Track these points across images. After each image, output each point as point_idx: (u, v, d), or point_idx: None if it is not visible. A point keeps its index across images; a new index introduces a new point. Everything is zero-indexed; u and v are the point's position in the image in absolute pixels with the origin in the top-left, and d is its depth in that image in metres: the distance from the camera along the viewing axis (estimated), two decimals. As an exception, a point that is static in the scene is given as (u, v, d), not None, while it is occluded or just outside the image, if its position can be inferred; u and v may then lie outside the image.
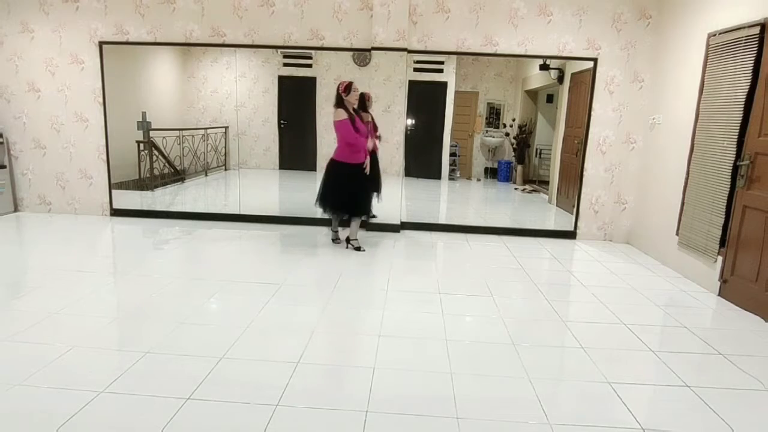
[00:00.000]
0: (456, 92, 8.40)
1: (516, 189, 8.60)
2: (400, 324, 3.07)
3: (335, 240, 4.88)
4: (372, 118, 5.03)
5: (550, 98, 8.28)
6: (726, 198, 3.75)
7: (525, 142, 8.64)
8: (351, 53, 7.86)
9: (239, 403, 2.13)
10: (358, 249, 4.60)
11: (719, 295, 3.78)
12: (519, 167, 8.88)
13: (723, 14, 3.94)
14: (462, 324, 3.12)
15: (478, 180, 9.14)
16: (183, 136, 7.48)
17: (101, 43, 5.36)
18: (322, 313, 3.16)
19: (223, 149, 8.15)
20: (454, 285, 3.81)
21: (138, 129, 6.45)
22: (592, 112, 5.22)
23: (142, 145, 6.53)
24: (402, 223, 5.52)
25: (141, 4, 5.26)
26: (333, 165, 4.47)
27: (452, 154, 8.88)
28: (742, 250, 3.59)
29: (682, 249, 4.31)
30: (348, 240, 4.68)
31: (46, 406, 2.07)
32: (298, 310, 3.22)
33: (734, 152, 3.68)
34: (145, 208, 6.22)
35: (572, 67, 6.35)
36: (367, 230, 5.41)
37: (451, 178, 8.91)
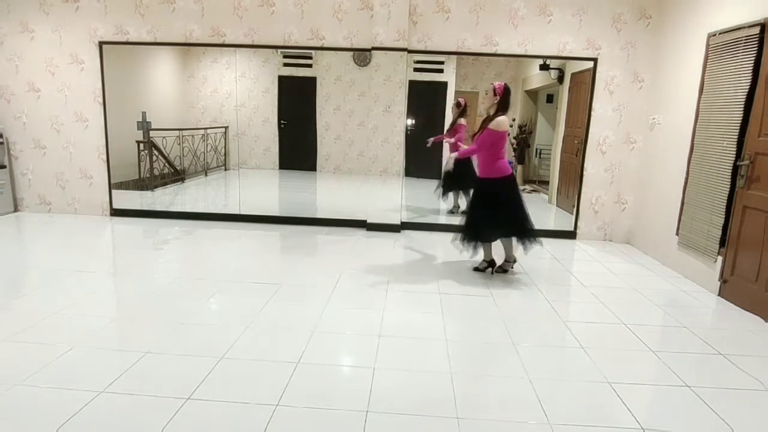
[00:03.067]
0: (456, 92, 8.38)
1: (516, 189, 8.58)
2: (400, 324, 3.07)
3: (487, 267, 4.18)
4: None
5: (550, 98, 8.26)
6: (726, 198, 3.75)
7: (525, 142, 8.63)
8: (351, 53, 7.87)
9: (239, 403, 2.13)
10: (505, 272, 4.14)
11: (719, 295, 3.78)
12: (519, 167, 8.87)
13: (723, 14, 3.94)
14: (462, 324, 3.12)
15: (478, 180, 9.12)
16: (183, 136, 7.49)
17: (101, 43, 5.35)
18: (322, 313, 3.16)
19: (223, 149, 8.15)
20: (454, 285, 3.81)
21: (138, 129, 6.45)
22: (592, 112, 5.22)
23: (142, 145, 6.54)
24: (402, 223, 5.52)
25: (141, 4, 5.26)
26: (495, 185, 3.81)
27: (452, 154, 8.86)
28: (742, 250, 3.58)
29: (682, 249, 4.31)
30: (505, 264, 4.14)
31: (46, 406, 2.07)
32: (298, 310, 3.22)
33: (734, 152, 3.68)
34: (145, 208, 6.22)
35: (572, 67, 6.35)
36: (368, 230, 5.42)
37: (452, 178, 8.88)
